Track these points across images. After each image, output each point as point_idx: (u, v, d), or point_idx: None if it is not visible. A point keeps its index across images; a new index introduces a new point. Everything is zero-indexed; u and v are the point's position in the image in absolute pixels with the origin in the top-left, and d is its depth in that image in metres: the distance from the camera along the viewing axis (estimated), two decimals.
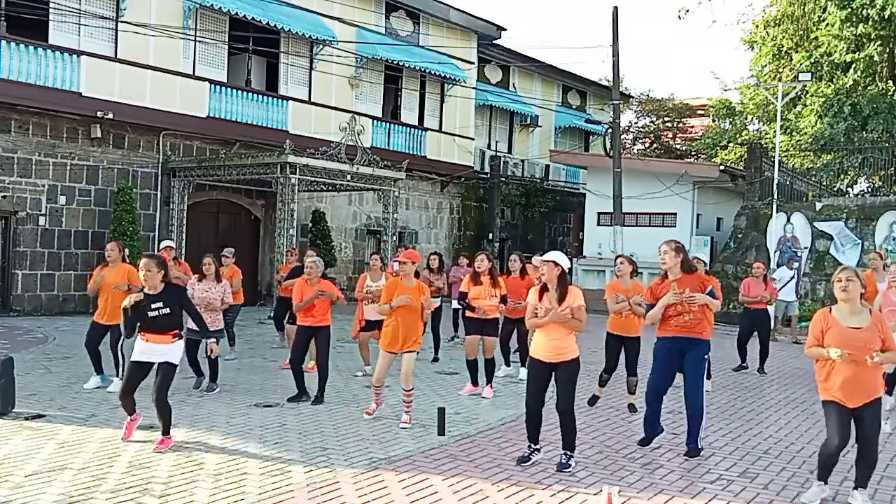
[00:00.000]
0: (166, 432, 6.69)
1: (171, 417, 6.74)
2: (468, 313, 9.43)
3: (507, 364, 10.72)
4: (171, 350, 6.74)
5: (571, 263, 26.13)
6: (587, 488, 5.94)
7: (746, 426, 8.31)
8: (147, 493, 5.51)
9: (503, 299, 9.35)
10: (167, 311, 6.71)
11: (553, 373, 6.42)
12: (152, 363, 6.74)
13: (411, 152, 23.58)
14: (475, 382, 9.46)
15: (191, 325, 8.97)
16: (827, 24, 24.14)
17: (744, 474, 6.48)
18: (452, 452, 6.82)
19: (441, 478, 6.07)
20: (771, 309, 12.78)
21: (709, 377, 10.33)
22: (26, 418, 7.50)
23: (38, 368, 10.38)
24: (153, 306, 6.69)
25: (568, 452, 6.44)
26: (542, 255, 6.79)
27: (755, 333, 12.16)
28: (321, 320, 8.78)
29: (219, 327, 9.35)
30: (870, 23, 22.77)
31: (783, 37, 27.03)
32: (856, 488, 5.66)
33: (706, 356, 7.01)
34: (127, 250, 9.93)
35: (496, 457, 6.70)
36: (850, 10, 22.84)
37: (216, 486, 5.71)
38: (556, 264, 6.41)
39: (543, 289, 6.48)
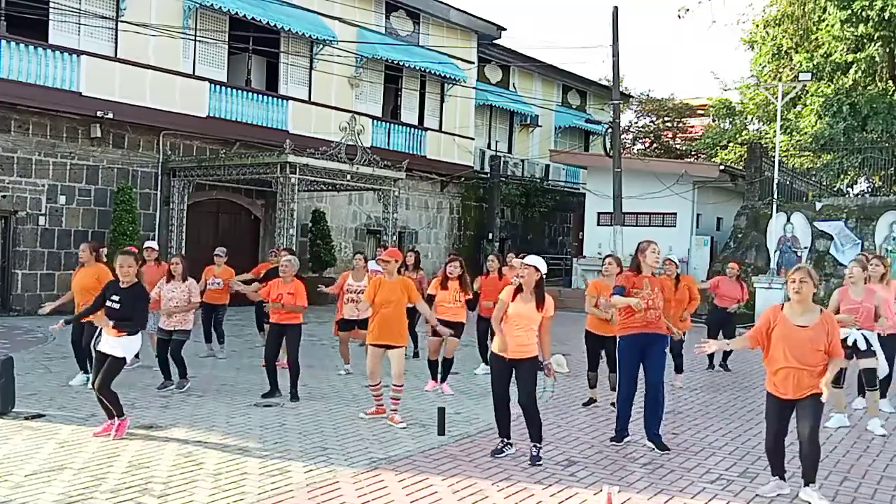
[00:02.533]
0: (116, 415, 6.89)
1: (119, 399, 6.95)
2: (436, 315, 9.54)
3: (486, 362, 10.68)
4: (118, 344, 6.90)
5: (571, 264, 26.34)
6: (587, 488, 5.94)
7: (746, 426, 8.31)
8: (147, 492, 5.51)
9: (470, 303, 9.67)
10: (117, 305, 6.93)
11: (514, 369, 6.61)
12: (107, 354, 6.92)
13: (411, 152, 23.58)
14: (435, 378, 9.72)
15: (162, 324, 9.11)
16: (827, 25, 24.14)
17: (744, 474, 6.48)
18: (452, 452, 6.82)
19: (441, 478, 6.08)
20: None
21: (679, 371, 10.42)
22: (26, 418, 7.50)
23: (38, 368, 10.39)
24: (113, 297, 6.98)
25: (537, 445, 6.63)
26: (522, 258, 6.93)
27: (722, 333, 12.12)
28: (289, 318, 8.82)
29: (187, 328, 9.38)
30: (870, 23, 22.76)
31: (783, 36, 27.02)
32: (805, 485, 5.71)
33: (665, 350, 7.30)
34: (105, 249, 9.99)
35: (498, 457, 6.70)
36: (850, 11, 22.84)
37: (216, 485, 5.71)
38: (537, 269, 6.61)
39: (518, 290, 6.67)
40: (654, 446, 7.10)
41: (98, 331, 8.91)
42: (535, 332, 6.62)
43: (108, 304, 6.97)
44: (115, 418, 6.90)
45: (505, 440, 6.79)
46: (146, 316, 7.19)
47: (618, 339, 7.39)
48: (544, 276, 6.65)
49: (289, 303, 8.72)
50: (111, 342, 6.91)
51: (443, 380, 9.60)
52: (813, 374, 5.58)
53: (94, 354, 8.81)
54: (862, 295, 8.07)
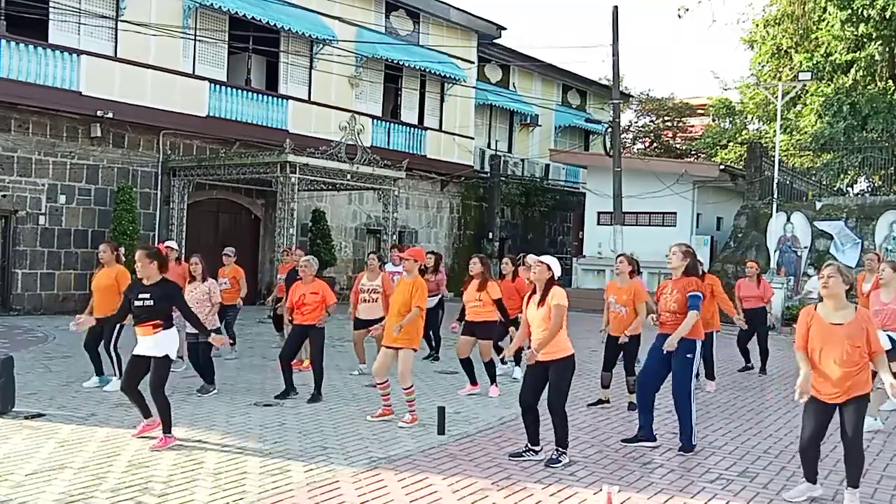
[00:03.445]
0: (166, 430, 6.70)
1: (170, 415, 6.75)
2: (465, 316, 9.55)
3: (503, 362, 10.66)
4: (156, 342, 6.70)
5: (571, 263, 26.32)
6: (587, 487, 5.94)
7: (746, 425, 8.31)
8: (147, 492, 5.51)
9: (498, 304, 9.39)
10: (150, 302, 6.73)
11: (547, 371, 6.50)
12: (147, 357, 6.75)
13: (411, 151, 23.59)
14: (473, 382, 9.53)
15: (189, 329, 9.00)
16: (827, 24, 24.14)
17: (743, 473, 6.48)
18: (452, 452, 6.82)
19: (441, 477, 6.08)
20: (777, 305, 12.67)
21: (711, 378, 10.33)
22: (26, 417, 7.50)
23: (38, 367, 10.39)
24: (140, 296, 6.76)
25: (559, 449, 6.52)
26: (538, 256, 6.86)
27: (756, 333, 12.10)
28: (312, 318, 8.81)
29: (214, 327, 9.31)
30: (870, 23, 22.75)
31: (783, 36, 27.04)
32: (847, 487, 5.67)
33: (689, 355, 7.04)
34: (122, 249, 9.91)
35: (496, 456, 6.70)
36: (850, 10, 22.83)
37: (216, 485, 5.72)
38: (549, 268, 6.52)
39: (533, 292, 6.62)
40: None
41: (118, 333, 8.87)
42: (562, 331, 6.47)
43: (137, 303, 6.74)
44: (162, 433, 6.68)
45: (529, 446, 6.64)
46: (167, 308, 6.84)
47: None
48: (556, 277, 6.53)
49: (316, 305, 8.76)
50: (147, 343, 6.72)
51: (492, 382, 9.42)
52: (852, 375, 5.43)
53: (113, 357, 8.85)
54: (892, 296, 8.04)
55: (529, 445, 6.64)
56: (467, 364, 9.46)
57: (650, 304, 8.39)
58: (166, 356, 6.73)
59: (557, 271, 6.56)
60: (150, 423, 6.91)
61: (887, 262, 8.37)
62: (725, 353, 12.80)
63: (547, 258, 6.64)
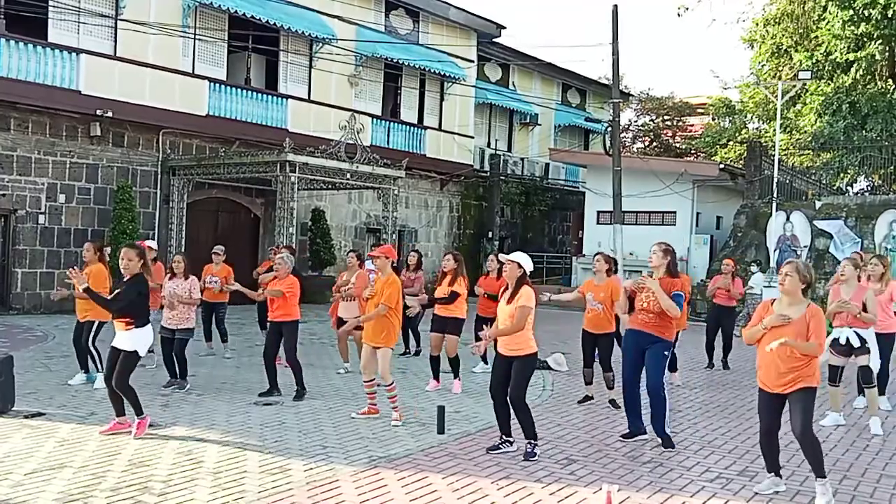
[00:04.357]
0: (138, 413, 6.89)
1: (138, 398, 6.92)
2: (434, 310, 9.65)
3: (485, 362, 10.63)
4: (126, 338, 6.89)
5: (571, 262, 26.32)
6: (586, 486, 5.94)
7: (746, 424, 8.31)
8: (147, 491, 5.51)
9: (451, 295, 9.45)
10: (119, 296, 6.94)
11: (511, 366, 6.66)
12: (120, 350, 6.93)
13: (411, 151, 23.58)
14: (436, 378, 9.69)
15: (164, 323, 9.14)
16: (828, 24, 24.14)
17: (743, 472, 6.49)
18: (452, 451, 6.82)
19: (440, 476, 6.08)
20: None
21: (673, 370, 10.39)
22: (26, 416, 7.50)
23: (38, 367, 10.39)
24: (117, 290, 6.99)
25: (531, 441, 6.65)
26: (508, 255, 6.94)
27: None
28: (283, 315, 8.83)
29: (189, 326, 9.36)
30: (871, 22, 22.75)
31: (783, 35, 27.04)
32: (816, 479, 5.75)
33: (665, 353, 7.19)
34: (108, 249, 10.00)
35: (496, 455, 6.71)
36: (851, 10, 22.83)
37: (216, 484, 5.72)
38: (519, 266, 6.64)
39: (507, 288, 6.77)
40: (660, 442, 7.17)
41: (97, 329, 8.99)
42: (525, 330, 6.60)
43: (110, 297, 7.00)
44: (136, 417, 6.91)
45: (503, 437, 6.83)
46: (140, 306, 6.99)
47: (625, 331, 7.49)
48: (527, 272, 6.65)
49: (285, 301, 8.75)
50: (120, 336, 6.92)
51: (455, 377, 9.51)
52: (796, 369, 5.59)
53: (93, 352, 8.96)
54: (852, 293, 8.09)
55: (504, 437, 6.83)
56: (435, 361, 9.66)
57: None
58: (135, 352, 6.91)
59: (528, 267, 6.69)
60: (122, 421, 7.03)
61: (848, 259, 8.45)
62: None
63: (516, 255, 6.74)
